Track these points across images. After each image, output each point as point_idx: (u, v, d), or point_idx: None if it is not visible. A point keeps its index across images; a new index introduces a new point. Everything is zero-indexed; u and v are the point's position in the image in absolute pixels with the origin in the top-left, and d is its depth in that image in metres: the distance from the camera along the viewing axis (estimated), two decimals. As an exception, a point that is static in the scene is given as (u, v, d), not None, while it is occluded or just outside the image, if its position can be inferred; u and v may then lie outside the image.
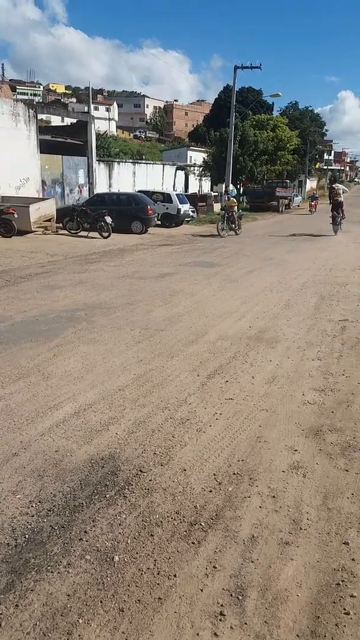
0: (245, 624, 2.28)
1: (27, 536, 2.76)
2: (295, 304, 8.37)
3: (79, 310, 7.55)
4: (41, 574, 2.51)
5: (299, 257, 14.16)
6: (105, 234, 17.47)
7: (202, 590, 2.45)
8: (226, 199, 22.18)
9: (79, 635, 2.20)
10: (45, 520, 2.90)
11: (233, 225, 20.88)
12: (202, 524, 2.91)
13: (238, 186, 37.95)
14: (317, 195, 37.98)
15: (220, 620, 2.29)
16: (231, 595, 2.43)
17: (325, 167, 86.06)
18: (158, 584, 2.48)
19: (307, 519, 2.98)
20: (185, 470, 3.43)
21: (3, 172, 18.32)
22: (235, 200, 22.43)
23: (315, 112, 68.54)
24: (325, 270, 11.93)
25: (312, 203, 35.94)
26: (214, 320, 7.22)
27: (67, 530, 2.81)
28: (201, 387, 4.85)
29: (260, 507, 3.08)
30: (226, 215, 20.61)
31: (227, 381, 5.01)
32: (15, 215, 15.63)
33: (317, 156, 70.50)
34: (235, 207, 21.62)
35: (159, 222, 21.90)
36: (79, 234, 18.00)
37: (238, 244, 17.55)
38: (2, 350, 5.69)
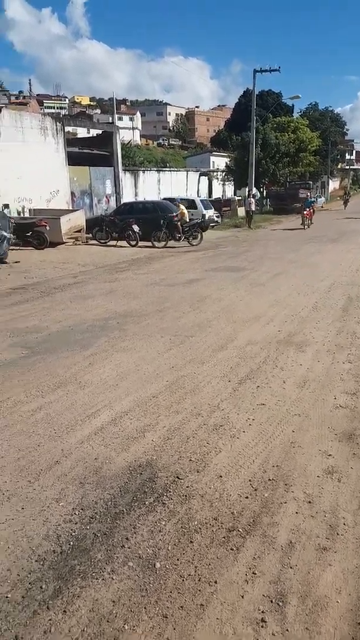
0: (287, 630, 2.32)
1: (71, 543, 2.86)
2: (323, 306, 8.34)
3: (111, 319, 7.69)
4: (86, 581, 2.60)
5: (324, 259, 14.06)
6: (133, 242, 17.68)
7: (242, 597, 2.50)
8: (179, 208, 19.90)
9: (126, 640, 2.27)
10: (88, 527, 2.99)
11: (178, 236, 18.62)
12: (240, 530, 2.96)
13: (261, 189, 37.87)
14: (312, 200, 29.33)
15: (262, 627, 2.34)
16: (272, 601, 2.47)
17: (347, 167, 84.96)
18: (199, 590, 2.54)
19: (344, 524, 3.00)
20: (221, 476, 3.49)
21: (34, 185, 18.73)
22: (184, 208, 20.02)
23: (335, 112, 68.03)
24: (352, 271, 11.83)
25: (306, 212, 25.66)
26: (242, 325, 7.26)
27: (110, 537, 2.90)
28: (233, 393, 4.90)
29: (296, 512, 3.11)
30: (166, 223, 18.58)
31: (258, 386, 5.05)
32: (47, 228, 15.96)
33: (338, 156, 69.80)
34: (186, 214, 19.67)
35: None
36: (108, 243, 18.26)
37: (263, 247, 17.52)
38: (41, 360, 5.85)
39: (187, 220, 19.31)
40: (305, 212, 25.57)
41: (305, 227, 25.11)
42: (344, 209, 37.92)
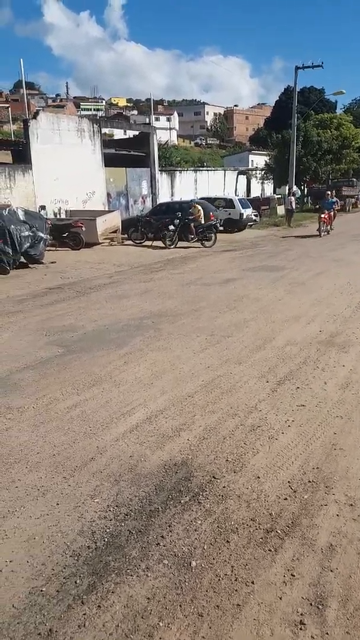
0: (327, 634, 2.24)
1: (106, 540, 2.85)
2: (366, 306, 8.10)
3: (145, 319, 7.70)
4: (121, 577, 2.58)
5: (368, 258, 13.70)
6: (168, 242, 17.69)
7: (281, 599, 2.43)
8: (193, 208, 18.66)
9: (160, 638, 2.24)
10: (122, 524, 2.97)
11: (191, 237, 17.86)
12: (279, 531, 2.88)
13: (302, 187, 37.32)
14: (333, 200, 22.21)
15: (301, 629, 2.26)
16: (311, 604, 2.39)
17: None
18: (236, 590, 2.48)
19: (388, 528, 2.88)
20: (258, 477, 3.41)
21: (71, 187, 19.01)
22: (199, 207, 18.66)
23: (381, 106, 66.27)
24: None
25: (323, 216, 20.12)
26: (281, 325, 7.14)
27: (145, 535, 2.88)
28: (271, 394, 4.81)
29: (337, 515, 3.01)
30: (180, 224, 17.62)
31: (298, 387, 4.94)
32: (83, 229, 16.16)
33: (384, 152, 68.05)
34: (201, 214, 18.33)
35: (221, 228, 21.91)
36: (144, 243, 18.35)
37: (302, 246, 17.23)
38: (77, 359, 5.90)
39: (202, 221, 18.30)
40: (322, 216, 20.04)
41: (323, 233, 19.84)
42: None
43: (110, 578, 2.58)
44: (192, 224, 17.83)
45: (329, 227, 20.72)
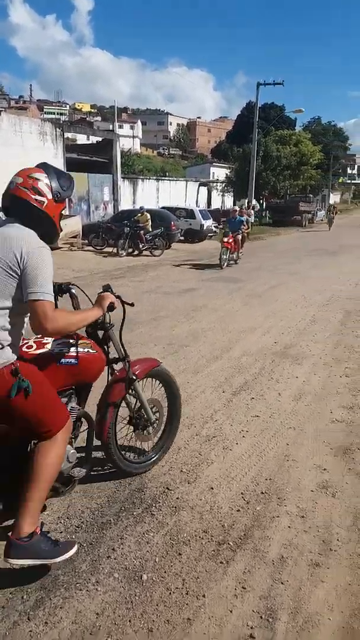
0: (276, 647, 2.24)
1: (55, 552, 2.77)
2: (320, 319, 8.30)
3: (104, 326, 7.60)
4: (70, 592, 2.51)
5: (322, 272, 14.06)
6: (129, 250, 17.62)
7: (231, 612, 2.42)
8: (140, 214, 18.35)
9: (108, 655, 2.19)
10: (73, 536, 2.90)
11: (142, 245, 17.49)
12: (231, 543, 2.88)
13: (261, 201, 38.05)
14: (242, 219, 16.78)
15: (251, 643, 2.26)
16: (261, 617, 2.39)
17: (349, 181, 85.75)
18: (187, 604, 2.46)
19: (338, 539, 2.93)
20: (212, 488, 3.41)
21: (30, 190, 18.70)
22: (148, 216, 18.11)
23: (338, 126, 68.61)
24: (351, 285, 11.82)
25: (226, 240, 14.87)
26: (238, 336, 7.21)
27: (96, 548, 2.81)
28: (227, 404, 4.83)
29: (289, 527, 3.04)
30: (131, 232, 17.32)
31: (252, 398, 4.98)
32: (42, 232, 15.91)
33: (340, 170, 70.38)
34: (149, 223, 17.81)
35: (182, 238, 22.05)
36: (104, 250, 18.23)
37: (260, 259, 17.53)
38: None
39: (150, 229, 18.09)
40: (225, 240, 14.84)
41: (225, 263, 14.87)
42: (329, 230, 31.92)
43: (59, 593, 2.50)
44: (141, 232, 17.63)
45: (235, 255, 15.78)
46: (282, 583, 2.60)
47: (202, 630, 2.32)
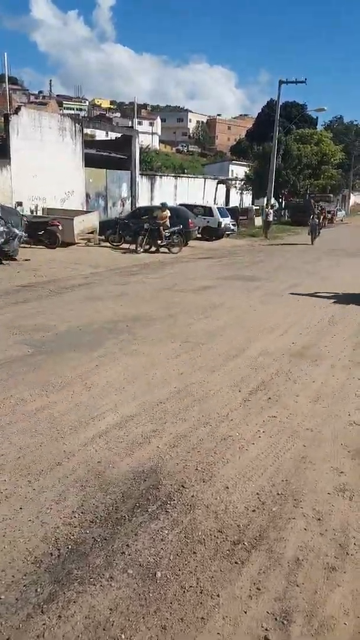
0: (291, 651, 2.21)
1: (69, 547, 2.77)
2: (340, 320, 8.21)
3: (120, 322, 7.62)
4: (84, 586, 2.51)
5: (342, 272, 13.93)
6: (147, 247, 17.62)
7: (245, 612, 2.39)
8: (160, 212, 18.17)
9: (122, 652, 2.18)
10: (87, 531, 2.90)
11: (160, 242, 17.52)
12: (246, 543, 2.85)
13: (280, 200, 37.79)
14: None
15: (265, 645, 2.23)
16: (276, 619, 2.37)
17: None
18: (201, 602, 2.44)
19: (354, 543, 2.89)
20: (227, 487, 3.39)
21: (49, 185, 18.80)
22: (168, 213, 18.13)
23: (360, 126, 67.75)
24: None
25: None
26: (255, 335, 7.15)
27: (110, 543, 2.81)
28: (243, 404, 4.80)
29: (305, 529, 3.00)
30: (150, 228, 17.30)
31: (269, 398, 4.94)
32: (60, 227, 15.97)
33: (361, 170, 69.47)
34: (167, 221, 17.79)
35: (199, 235, 21.98)
36: (121, 246, 18.25)
37: (279, 257, 17.41)
38: (47, 360, 5.79)
39: (169, 226, 17.79)
40: None
41: None
42: (311, 244, 23.01)
43: (73, 587, 2.50)
44: (161, 228, 17.53)
45: None
46: (297, 585, 2.57)
47: (216, 629, 2.30)
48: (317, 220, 22.09)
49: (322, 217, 22.09)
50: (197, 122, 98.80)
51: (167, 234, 17.71)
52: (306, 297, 10.09)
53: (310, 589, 2.55)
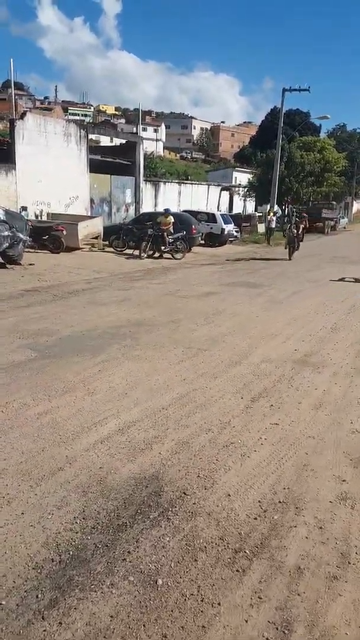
0: (292, 660, 2.20)
1: (71, 553, 2.77)
2: (342, 327, 8.20)
3: (123, 327, 7.63)
4: (85, 593, 2.50)
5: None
6: (144, 254, 17.63)
7: (246, 621, 2.38)
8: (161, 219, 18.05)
9: (122, 659, 2.17)
10: (89, 537, 2.90)
11: (163, 248, 17.58)
12: (247, 551, 2.84)
13: (283, 207, 37.83)
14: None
15: (266, 654, 2.22)
16: (277, 628, 2.36)
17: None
18: (202, 611, 2.43)
19: (356, 552, 2.88)
20: (229, 495, 3.38)
21: (54, 190, 18.88)
22: (172, 219, 18.06)
23: (364, 134, 67.83)
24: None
25: None
26: (258, 342, 7.15)
27: (111, 550, 2.81)
28: (245, 411, 4.79)
29: (306, 537, 2.99)
30: (154, 234, 17.39)
31: (272, 405, 4.93)
32: (64, 232, 16.02)
33: (364, 178, 69.51)
34: (171, 227, 17.78)
35: (202, 242, 22.02)
36: (125, 251, 18.29)
37: (281, 265, 17.42)
38: (50, 364, 5.79)
39: (172, 232, 17.84)
40: None
41: None
42: (289, 259, 19.11)
43: (74, 593, 2.50)
44: (165, 234, 17.54)
45: None
46: (298, 594, 2.56)
47: (216, 638, 2.29)
48: (296, 231, 19.14)
49: (301, 226, 19.43)
50: (201, 129, 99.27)
51: (171, 240, 17.73)
52: (308, 304, 10.08)
53: (311, 598, 2.54)
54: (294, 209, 18.33)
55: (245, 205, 40.30)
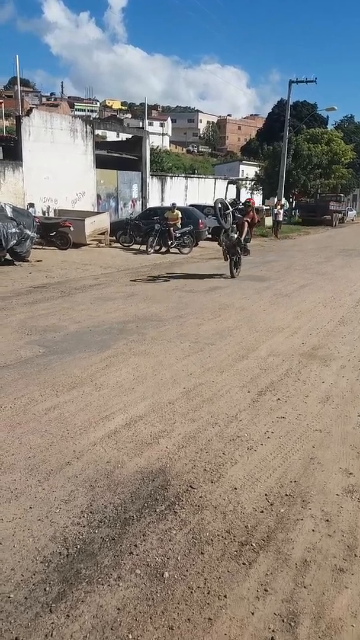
0: (298, 652, 2.21)
1: (78, 546, 2.79)
2: (350, 320, 8.16)
3: (130, 322, 7.65)
4: (92, 586, 2.53)
5: (352, 273, 13.85)
6: (157, 247, 17.64)
7: (253, 614, 2.39)
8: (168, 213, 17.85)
9: (129, 651, 2.19)
10: (96, 531, 2.92)
11: (170, 243, 17.26)
12: (254, 544, 2.85)
13: (290, 200, 37.65)
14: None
15: (272, 646, 2.23)
16: (283, 620, 2.37)
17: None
18: (208, 603, 2.45)
19: (363, 546, 2.87)
20: (236, 488, 3.39)
21: (61, 186, 18.93)
22: (179, 213, 17.81)
23: (372, 125, 67.25)
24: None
25: None
26: (265, 336, 7.14)
27: (118, 543, 2.83)
28: (252, 404, 4.79)
29: (313, 530, 2.99)
30: (161, 229, 17.11)
31: (278, 399, 4.93)
32: (72, 229, 16.06)
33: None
34: (178, 222, 17.53)
35: (209, 236, 21.97)
36: (132, 247, 18.31)
37: (289, 258, 17.35)
38: (57, 360, 5.83)
39: (179, 226, 17.62)
40: None
41: None
42: (231, 277, 13.07)
43: (81, 586, 2.52)
44: (171, 229, 17.41)
45: None
46: (304, 587, 2.56)
47: (223, 630, 2.30)
48: (236, 236, 12.13)
49: (246, 226, 12.61)
50: (208, 122, 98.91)
51: (178, 235, 17.68)
52: (316, 298, 10.04)
53: (317, 590, 2.55)
54: (234, 201, 13.68)
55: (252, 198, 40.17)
